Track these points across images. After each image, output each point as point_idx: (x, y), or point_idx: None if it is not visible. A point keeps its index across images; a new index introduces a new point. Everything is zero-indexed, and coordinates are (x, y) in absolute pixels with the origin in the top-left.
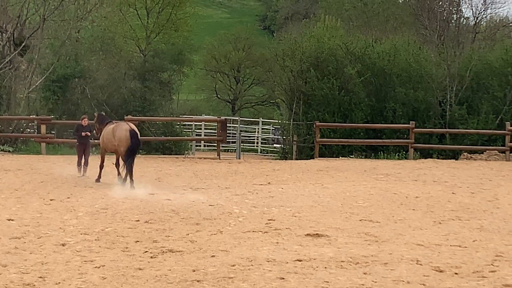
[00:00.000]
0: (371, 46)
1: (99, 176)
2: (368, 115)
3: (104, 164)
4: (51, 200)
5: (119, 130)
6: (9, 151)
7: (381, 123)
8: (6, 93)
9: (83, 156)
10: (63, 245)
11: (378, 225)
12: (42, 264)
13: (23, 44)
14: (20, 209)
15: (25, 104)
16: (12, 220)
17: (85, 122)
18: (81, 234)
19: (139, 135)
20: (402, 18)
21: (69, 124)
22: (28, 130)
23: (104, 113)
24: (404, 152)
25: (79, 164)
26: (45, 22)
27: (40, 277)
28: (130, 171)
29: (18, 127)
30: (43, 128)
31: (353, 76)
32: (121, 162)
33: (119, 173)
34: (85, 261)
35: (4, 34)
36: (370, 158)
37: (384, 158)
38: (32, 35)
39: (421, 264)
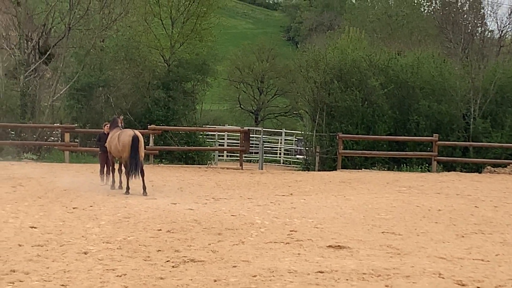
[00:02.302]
0: (394, 59)
1: (113, 181)
2: (391, 127)
3: (115, 168)
4: (74, 208)
5: (123, 136)
6: (33, 159)
7: (404, 136)
8: (31, 101)
9: (105, 165)
10: (85, 253)
11: (400, 238)
12: (64, 272)
13: (48, 52)
14: (43, 217)
15: (49, 112)
16: (35, 227)
17: (107, 129)
18: (103, 242)
19: (142, 142)
20: (427, 30)
21: (93, 132)
22: (52, 138)
23: (117, 117)
24: (427, 165)
25: (101, 172)
26: (70, 31)
27: (62, 285)
28: (142, 178)
29: (42, 135)
30: (67, 136)
31: (376, 88)
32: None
33: (120, 181)
34: (107, 269)
35: (29, 42)
36: (392, 170)
37: (407, 171)
38: (57, 43)
39: (443, 278)
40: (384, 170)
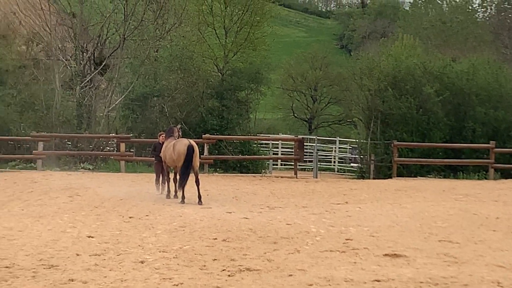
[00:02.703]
0: (449, 65)
1: (169, 191)
2: (446, 134)
3: (170, 177)
4: (130, 217)
5: (178, 145)
6: (89, 169)
7: (460, 143)
8: (87, 112)
9: (161, 174)
10: (142, 262)
11: (457, 246)
12: (122, 281)
13: (103, 63)
14: (100, 226)
15: (105, 123)
16: (92, 237)
17: (162, 138)
18: (160, 251)
19: (197, 152)
20: (482, 36)
21: (148, 142)
22: (108, 148)
23: (175, 126)
24: (484, 172)
25: (157, 182)
26: (125, 41)
27: None
28: (197, 187)
29: (98, 145)
30: (122, 146)
31: (431, 95)
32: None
33: (176, 190)
34: (164, 278)
35: (85, 53)
36: (449, 178)
37: (463, 178)
38: (112, 54)
39: (502, 287)
40: (440, 177)
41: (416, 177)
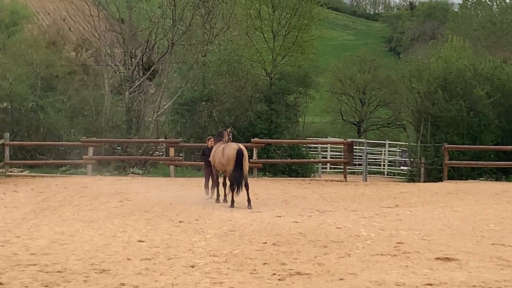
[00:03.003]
0: (500, 67)
1: (218, 195)
2: (498, 137)
3: (219, 181)
4: (180, 222)
5: (227, 149)
6: (139, 174)
7: None
8: (136, 117)
9: (210, 178)
10: (192, 266)
11: (510, 249)
12: (172, 285)
13: (152, 68)
14: (150, 230)
15: (154, 128)
16: (143, 241)
17: (211, 143)
18: (210, 256)
19: (246, 156)
20: None
21: (197, 147)
22: (157, 153)
23: (224, 129)
24: None
25: (206, 186)
26: (173, 46)
27: None
28: (246, 191)
29: (147, 150)
30: (171, 151)
31: (482, 97)
32: (227, 182)
33: (225, 194)
34: (214, 282)
35: (133, 59)
36: (500, 180)
37: None
38: (160, 59)
39: None
40: (491, 180)
41: (467, 180)
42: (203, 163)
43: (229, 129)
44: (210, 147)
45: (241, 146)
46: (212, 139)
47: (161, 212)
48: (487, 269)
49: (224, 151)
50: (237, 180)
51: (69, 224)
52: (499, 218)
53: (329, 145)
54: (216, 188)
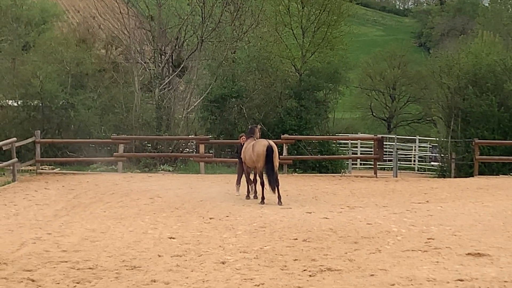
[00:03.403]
0: None
1: (248, 191)
2: None
3: (250, 178)
4: (210, 218)
5: (257, 146)
6: (169, 171)
7: None
8: (166, 114)
9: (242, 175)
10: (223, 263)
11: None
12: (203, 282)
13: (182, 65)
14: (180, 227)
15: (184, 124)
16: (174, 238)
17: (243, 140)
18: (240, 252)
19: (276, 152)
20: None
21: (227, 143)
22: (187, 149)
23: (255, 126)
24: None
25: (238, 183)
26: (203, 43)
27: None
28: (275, 189)
29: (178, 147)
30: (201, 147)
31: None
32: (259, 179)
33: (255, 191)
34: (245, 279)
35: (163, 56)
36: None
37: None
38: (189, 56)
39: None
40: None
41: (498, 175)
42: (238, 160)
43: (259, 126)
44: (242, 144)
45: (271, 142)
46: (243, 136)
47: (191, 209)
48: None
49: (254, 148)
50: (269, 178)
51: (100, 221)
52: None
53: (359, 141)
54: (247, 184)
